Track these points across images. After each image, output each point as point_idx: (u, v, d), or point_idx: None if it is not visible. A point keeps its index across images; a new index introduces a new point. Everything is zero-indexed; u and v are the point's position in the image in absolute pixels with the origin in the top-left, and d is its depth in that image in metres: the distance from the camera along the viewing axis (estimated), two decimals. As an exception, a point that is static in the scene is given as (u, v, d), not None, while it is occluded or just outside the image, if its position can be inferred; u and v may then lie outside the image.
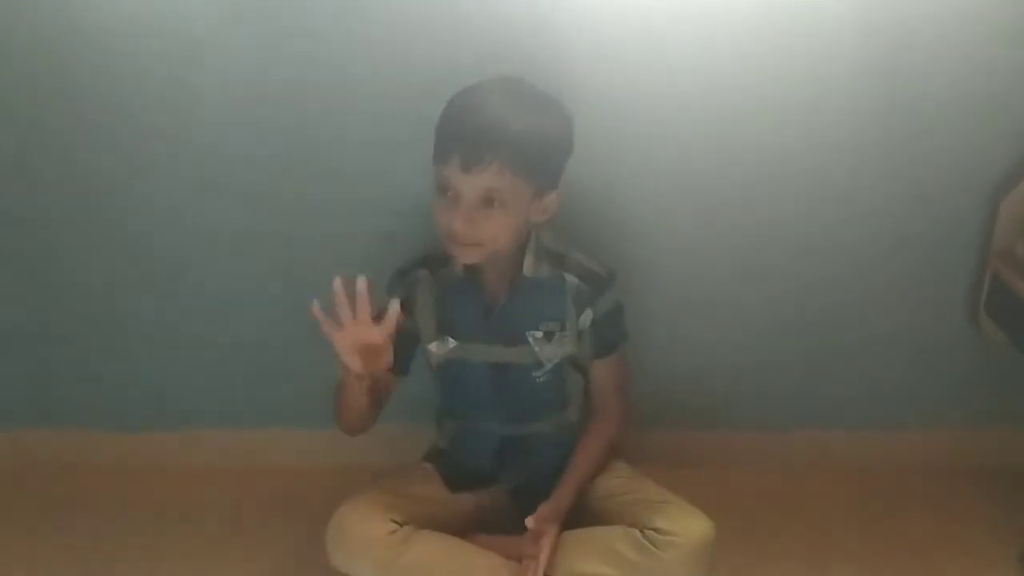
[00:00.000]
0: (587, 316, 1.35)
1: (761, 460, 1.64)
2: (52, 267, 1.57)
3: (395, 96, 1.41)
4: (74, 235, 1.55)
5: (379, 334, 1.16)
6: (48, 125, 1.47)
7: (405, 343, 1.33)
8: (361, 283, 1.13)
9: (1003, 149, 1.44)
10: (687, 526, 1.24)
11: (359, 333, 1.16)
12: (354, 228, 1.51)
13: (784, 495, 1.60)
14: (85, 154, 1.48)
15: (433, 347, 1.36)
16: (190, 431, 1.68)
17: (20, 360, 1.65)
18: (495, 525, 1.34)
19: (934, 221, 1.50)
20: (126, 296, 1.59)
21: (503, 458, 1.37)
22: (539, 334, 1.33)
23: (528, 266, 1.31)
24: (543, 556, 1.25)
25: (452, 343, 1.35)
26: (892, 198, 1.48)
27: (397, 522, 1.26)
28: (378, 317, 1.16)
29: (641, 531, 1.24)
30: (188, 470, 1.67)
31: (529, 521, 1.26)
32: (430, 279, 1.34)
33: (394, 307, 1.17)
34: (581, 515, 1.33)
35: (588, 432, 1.41)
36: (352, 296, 1.13)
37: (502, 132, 1.18)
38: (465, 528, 1.28)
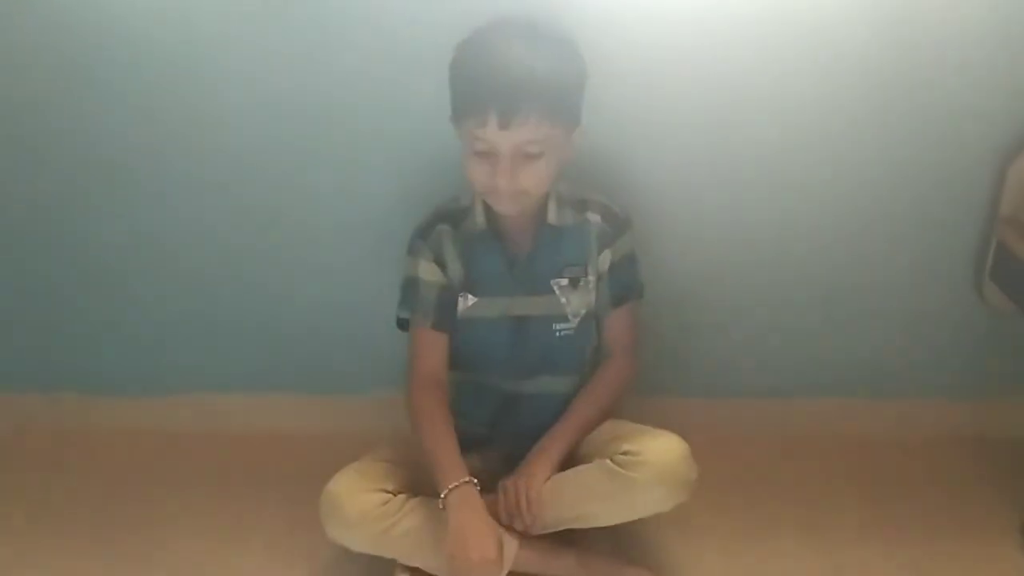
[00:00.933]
0: (606, 257, 1.35)
1: (760, 428, 1.64)
2: (50, 235, 1.56)
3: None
4: (75, 208, 1.54)
5: None
6: (59, 110, 1.47)
7: (451, 297, 1.34)
8: None
9: (1010, 115, 1.44)
10: (654, 444, 1.25)
11: None
12: (351, 189, 1.51)
13: (783, 464, 1.60)
14: (90, 129, 1.48)
15: (459, 301, 1.36)
16: (184, 396, 1.67)
17: (15, 325, 1.64)
18: (488, 489, 1.31)
19: (940, 188, 1.50)
20: (121, 262, 1.58)
21: (500, 417, 1.37)
22: (564, 282, 1.34)
23: (552, 214, 1.31)
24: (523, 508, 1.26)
25: (472, 300, 1.35)
26: (898, 164, 1.48)
27: (389, 491, 1.27)
28: None
29: (611, 459, 1.24)
30: (181, 435, 1.65)
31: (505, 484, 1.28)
32: (452, 233, 1.34)
33: None
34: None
35: (593, 381, 1.39)
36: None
37: (534, 83, 1.16)
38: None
